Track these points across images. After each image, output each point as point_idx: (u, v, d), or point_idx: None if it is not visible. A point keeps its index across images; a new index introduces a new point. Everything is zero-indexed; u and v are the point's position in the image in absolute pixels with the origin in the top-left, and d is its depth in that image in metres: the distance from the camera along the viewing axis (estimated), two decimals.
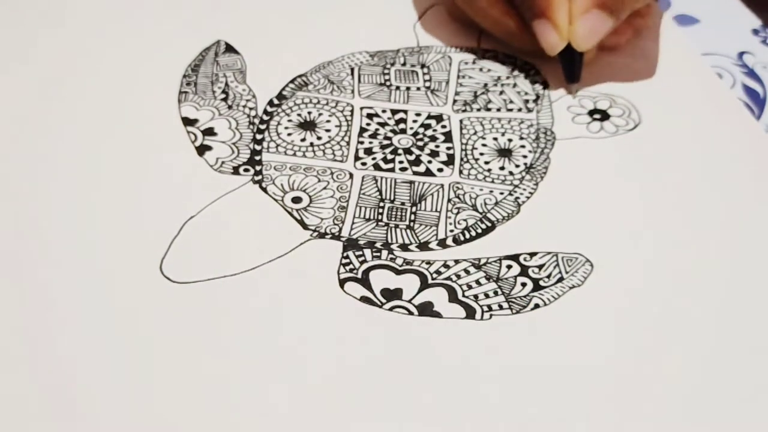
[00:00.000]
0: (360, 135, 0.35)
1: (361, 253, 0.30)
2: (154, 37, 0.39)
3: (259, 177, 0.33)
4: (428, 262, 0.30)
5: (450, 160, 0.34)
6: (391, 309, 0.29)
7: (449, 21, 0.41)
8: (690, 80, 0.39)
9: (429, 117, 0.36)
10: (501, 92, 0.37)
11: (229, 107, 0.36)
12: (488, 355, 0.28)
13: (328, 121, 0.36)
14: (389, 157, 0.34)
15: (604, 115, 0.37)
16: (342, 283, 0.29)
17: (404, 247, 0.31)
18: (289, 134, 0.35)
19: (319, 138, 0.35)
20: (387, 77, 0.38)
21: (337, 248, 0.31)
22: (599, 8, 0.36)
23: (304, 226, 0.31)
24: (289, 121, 0.35)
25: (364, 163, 0.34)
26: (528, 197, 0.33)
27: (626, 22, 0.38)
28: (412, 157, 0.34)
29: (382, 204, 0.32)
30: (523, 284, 0.30)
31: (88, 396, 0.26)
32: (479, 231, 0.31)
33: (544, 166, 0.34)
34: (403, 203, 0.32)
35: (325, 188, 0.33)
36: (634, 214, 0.32)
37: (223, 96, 0.36)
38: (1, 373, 0.26)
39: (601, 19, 0.36)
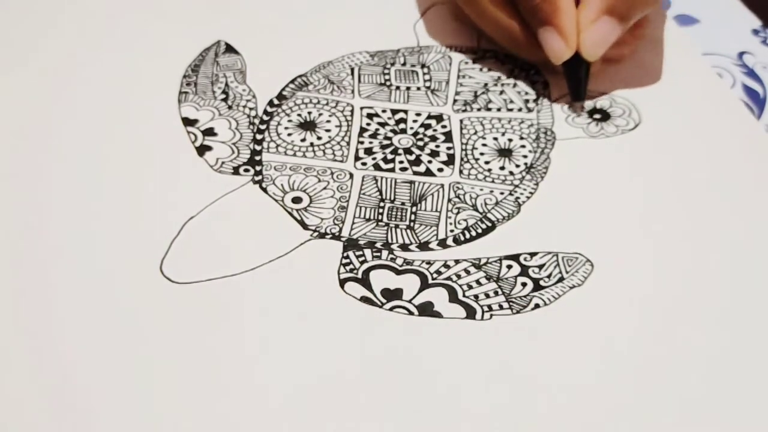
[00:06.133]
0: (360, 135, 0.35)
1: (361, 253, 0.30)
2: (155, 38, 0.39)
3: (259, 177, 0.33)
4: (428, 262, 0.30)
5: (450, 160, 0.34)
6: (391, 309, 0.29)
7: (449, 21, 0.41)
8: (690, 80, 0.39)
9: (429, 117, 0.36)
10: (501, 92, 0.37)
11: (229, 107, 0.36)
12: (488, 355, 0.28)
13: (328, 121, 0.36)
14: (389, 157, 0.34)
15: (605, 115, 0.37)
16: (342, 283, 0.29)
17: (404, 247, 0.31)
18: (289, 134, 0.35)
19: (319, 138, 0.35)
20: (387, 77, 0.38)
21: (337, 248, 0.31)
22: (609, 15, 0.35)
23: (304, 227, 0.31)
24: (289, 121, 0.35)
25: (364, 163, 0.34)
26: (528, 197, 0.33)
27: (629, 32, 0.37)
28: (412, 157, 0.34)
29: (382, 204, 0.32)
30: (524, 284, 0.30)
31: (88, 395, 0.26)
32: (479, 231, 0.31)
33: (545, 166, 0.34)
34: (403, 203, 0.32)
35: (325, 188, 0.33)
36: (635, 214, 0.32)
37: (223, 96, 0.36)
38: (1, 373, 0.26)
39: (611, 27, 0.35)
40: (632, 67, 0.39)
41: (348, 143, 0.35)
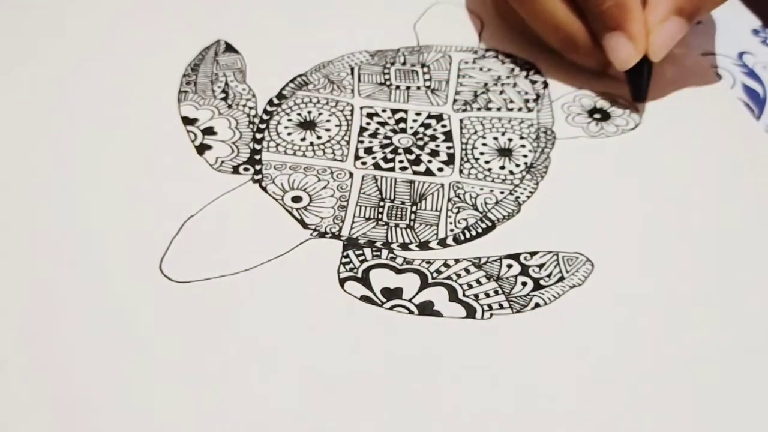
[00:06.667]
0: (360, 134, 0.35)
1: (361, 252, 0.30)
2: (154, 37, 0.39)
3: (259, 176, 0.33)
4: (428, 262, 0.30)
5: (450, 160, 0.34)
6: (391, 308, 0.29)
7: (449, 20, 0.41)
8: (690, 80, 0.39)
9: (429, 116, 0.36)
10: (501, 92, 0.37)
11: (229, 106, 0.36)
12: (488, 355, 0.28)
13: (328, 121, 0.36)
14: (389, 156, 0.34)
15: (605, 115, 0.37)
16: (342, 282, 0.29)
17: (404, 247, 0.31)
18: (289, 134, 0.35)
19: (319, 137, 0.35)
20: (387, 77, 0.38)
21: (337, 247, 0.31)
22: (677, 15, 0.34)
23: (304, 226, 0.31)
24: (289, 120, 0.35)
25: (364, 163, 0.34)
26: (528, 197, 0.33)
27: None
28: (412, 157, 0.34)
29: (382, 203, 0.32)
30: (524, 283, 0.30)
31: (88, 394, 0.26)
32: (479, 230, 0.31)
33: (545, 165, 0.34)
34: (403, 202, 0.32)
35: (325, 187, 0.33)
36: (635, 214, 0.32)
37: (223, 95, 0.36)
38: (0, 373, 0.26)
39: (679, 26, 0.34)
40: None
41: (348, 142, 0.35)
